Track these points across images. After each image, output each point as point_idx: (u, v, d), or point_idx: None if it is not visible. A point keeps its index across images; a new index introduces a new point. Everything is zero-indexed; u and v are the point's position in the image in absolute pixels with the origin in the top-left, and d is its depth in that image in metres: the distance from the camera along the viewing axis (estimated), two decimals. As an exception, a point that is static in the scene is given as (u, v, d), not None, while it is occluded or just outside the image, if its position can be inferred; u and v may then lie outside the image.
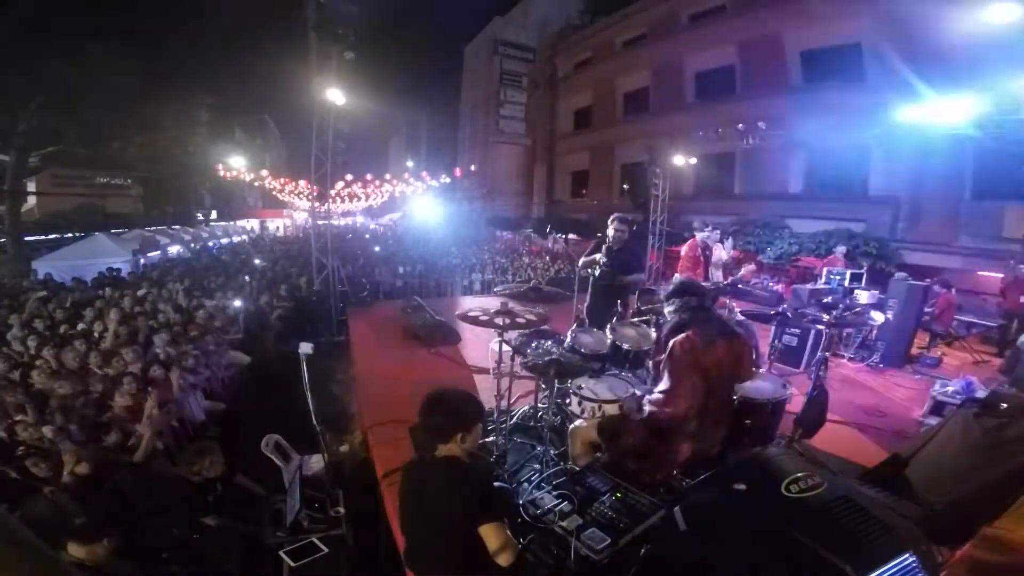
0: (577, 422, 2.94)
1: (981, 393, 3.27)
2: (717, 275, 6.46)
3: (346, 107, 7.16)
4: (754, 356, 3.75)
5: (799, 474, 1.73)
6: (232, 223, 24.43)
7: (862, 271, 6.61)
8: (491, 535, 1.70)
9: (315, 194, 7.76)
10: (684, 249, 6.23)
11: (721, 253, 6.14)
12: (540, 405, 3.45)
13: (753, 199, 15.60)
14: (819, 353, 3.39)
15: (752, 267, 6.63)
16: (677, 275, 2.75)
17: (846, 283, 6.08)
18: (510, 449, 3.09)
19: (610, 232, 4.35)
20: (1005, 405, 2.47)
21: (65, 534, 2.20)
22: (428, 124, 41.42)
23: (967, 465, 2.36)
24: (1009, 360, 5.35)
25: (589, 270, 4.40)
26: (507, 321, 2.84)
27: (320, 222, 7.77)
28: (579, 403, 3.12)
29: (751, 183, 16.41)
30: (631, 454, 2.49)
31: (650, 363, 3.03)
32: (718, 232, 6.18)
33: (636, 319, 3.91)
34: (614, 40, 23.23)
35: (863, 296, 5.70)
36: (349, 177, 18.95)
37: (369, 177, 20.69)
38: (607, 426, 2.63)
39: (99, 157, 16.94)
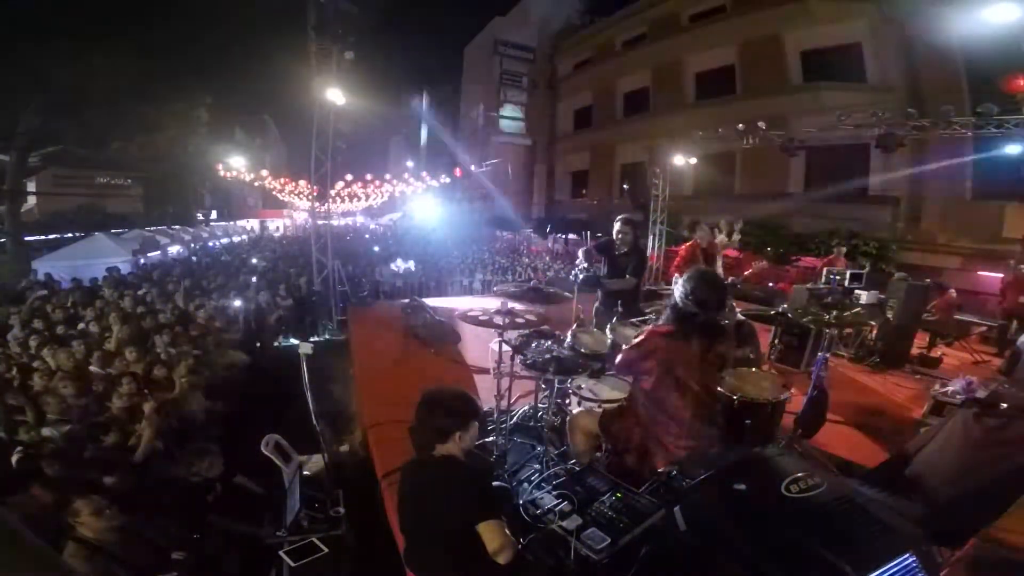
0: (575, 411, 2.93)
1: (981, 393, 3.27)
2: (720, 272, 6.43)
3: (346, 107, 7.16)
4: (749, 353, 3.75)
5: (799, 474, 1.73)
6: (232, 223, 24.43)
7: (862, 271, 6.60)
8: (490, 533, 1.70)
9: (315, 194, 7.77)
10: (682, 250, 6.21)
11: (724, 239, 6.09)
12: (540, 405, 3.45)
13: (753, 199, 15.60)
14: (819, 353, 3.38)
15: (763, 264, 6.53)
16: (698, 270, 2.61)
17: (846, 283, 6.08)
18: (510, 449, 3.09)
19: (614, 234, 4.28)
20: (1005, 405, 2.47)
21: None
22: (428, 124, 41.37)
23: (967, 465, 2.36)
24: (1009, 360, 5.36)
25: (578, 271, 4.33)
26: (507, 321, 2.84)
27: (320, 222, 7.78)
28: (579, 403, 3.12)
29: (751, 183, 16.41)
30: (628, 448, 2.49)
31: None
32: (714, 229, 6.16)
33: (637, 319, 3.91)
34: (614, 40, 23.24)
35: (863, 296, 5.69)
36: (349, 177, 18.96)
37: (369, 177, 20.70)
38: (607, 422, 2.63)
39: (99, 157, 16.98)
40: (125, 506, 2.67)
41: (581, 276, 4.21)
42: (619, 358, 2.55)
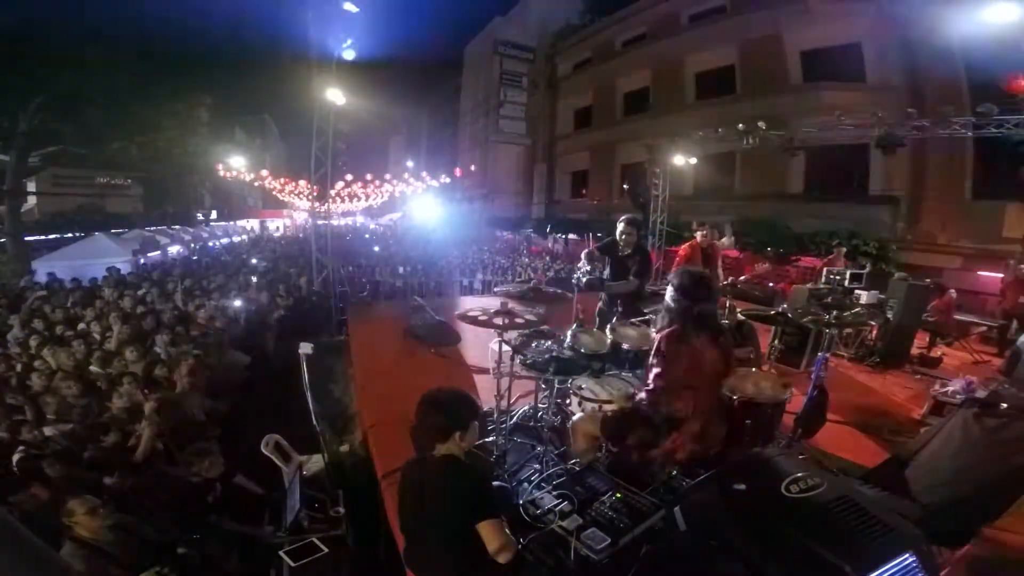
0: (577, 416, 2.93)
1: (981, 393, 3.27)
2: (720, 274, 6.43)
3: (346, 107, 7.16)
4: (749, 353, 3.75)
5: (799, 474, 1.73)
6: (232, 223, 24.44)
7: (862, 271, 6.60)
8: (490, 533, 1.70)
9: (315, 194, 7.76)
10: (682, 250, 6.21)
11: (724, 241, 6.08)
12: (540, 405, 3.45)
13: (753, 199, 15.60)
14: (819, 353, 3.38)
15: (766, 266, 6.55)
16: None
17: (846, 283, 6.08)
18: (510, 449, 3.09)
19: (617, 235, 4.24)
20: (1005, 405, 2.47)
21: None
22: (428, 124, 41.41)
23: (967, 465, 2.36)
24: (1009, 360, 5.35)
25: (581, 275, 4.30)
26: (507, 321, 2.84)
27: (320, 222, 7.77)
28: (579, 403, 3.12)
29: (751, 183, 16.41)
30: (632, 450, 2.49)
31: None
32: (715, 230, 6.16)
33: (637, 319, 3.90)
34: (614, 40, 23.23)
35: (863, 296, 5.69)
36: (349, 177, 18.97)
37: (369, 177, 20.70)
38: (609, 422, 2.63)
39: (99, 157, 16.91)
40: (123, 505, 2.68)
41: (584, 279, 4.18)
42: (656, 380, 2.38)
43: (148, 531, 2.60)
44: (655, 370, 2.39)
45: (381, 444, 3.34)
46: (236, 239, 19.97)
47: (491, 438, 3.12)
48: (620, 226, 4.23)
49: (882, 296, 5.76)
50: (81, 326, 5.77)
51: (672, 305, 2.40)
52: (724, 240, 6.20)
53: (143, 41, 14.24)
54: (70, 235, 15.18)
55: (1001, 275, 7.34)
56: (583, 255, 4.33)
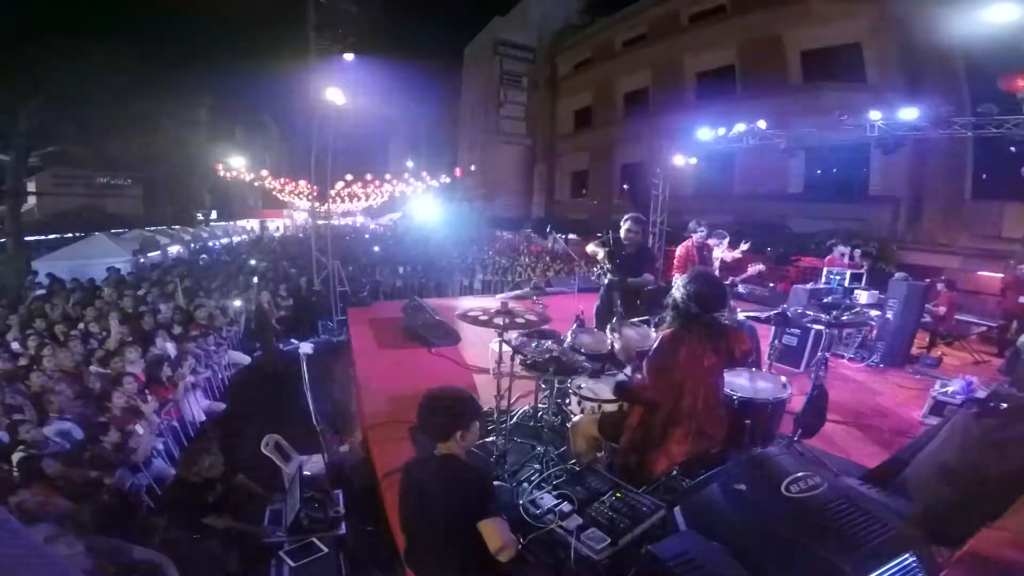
0: (576, 417, 2.93)
1: (981, 393, 3.27)
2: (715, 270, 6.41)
3: (346, 107, 7.16)
4: (752, 347, 3.73)
5: (799, 474, 1.74)
6: (232, 223, 24.45)
7: (862, 271, 6.61)
8: (491, 532, 1.70)
9: (315, 194, 7.77)
10: (679, 250, 6.20)
11: (719, 252, 6.11)
12: (540, 405, 3.45)
13: (753, 199, 15.60)
14: (819, 353, 3.38)
15: (761, 266, 6.56)
16: (692, 271, 2.58)
17: (846, 283, 6.08)
18: (510, 449, 3.09)
19: (622, 233, 4.23)
20: (1005, 405, 2.46)
21: None
22: (428, 124, 41.37)
23: (967, 465, 2.35)
24: (1009, 360, 5.35)
25: (596, 271, 4.29)
26: (507, 321, 2.84)
27: (320, 222, 7.77)
28: (579, 403, 3.12)
29: (751, 183, 16.41)
30: (629, 450, 2.49)
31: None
32: (716, 230, 6.15)
33: (637, 319, 3.90)
34: (614, 40, 23.24)
35: (863, 296, 5.69)
36: (349, 177, 18.96)
37: (369, 177, 20.70)
38: (608, 422, 2.63)
39: (99, 157, 16.95)
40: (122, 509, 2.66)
41: (606, 280, 4.14)
42: (643, 371, 2.36)
43: (129, 551, 2.48)
44: (650, 363, 2.36)
45: (381, 444, 3.34)
46: (236, 239, 19.97)
47: (491, 438, 3.12)
48: (626, 225, 4.23)
49: (882, 296, 5.76)
50: (81, 326, 5.76)
51: (681, 308, 2.35)
52: (729, 250, 6.20)
53: (143, 41, 14.27)
54: (70, 235, 15.19)
55: (1001, 275, 7.34)
56: (597, 249, 4.26)
